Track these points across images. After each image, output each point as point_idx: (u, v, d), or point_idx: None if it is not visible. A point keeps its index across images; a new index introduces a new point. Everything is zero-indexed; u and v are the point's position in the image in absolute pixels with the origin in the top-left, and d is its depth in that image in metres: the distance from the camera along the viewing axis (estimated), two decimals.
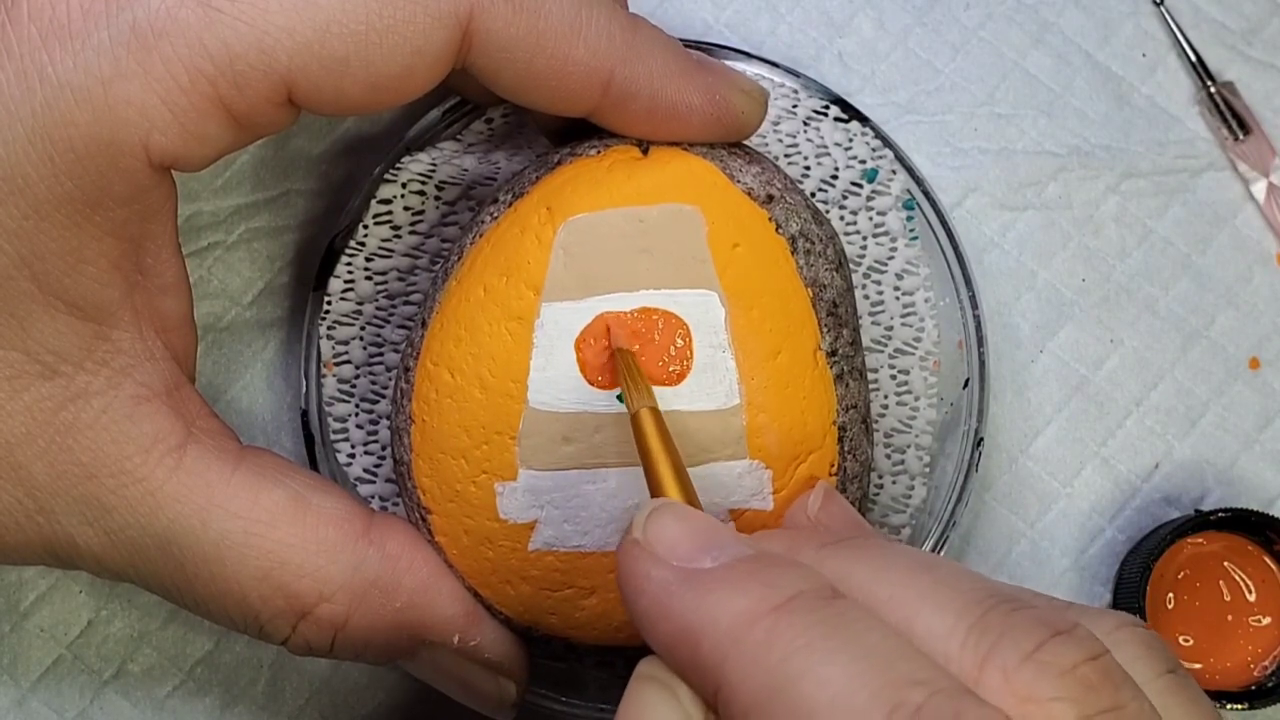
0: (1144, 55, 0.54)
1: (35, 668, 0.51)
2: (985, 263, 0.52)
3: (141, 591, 0.48)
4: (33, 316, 0.38)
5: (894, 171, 0.49)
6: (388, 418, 0.47)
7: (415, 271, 0.48)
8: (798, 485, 0.42)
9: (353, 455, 0.48)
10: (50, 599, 0.51)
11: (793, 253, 0.42)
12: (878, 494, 0.48)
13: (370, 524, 0.42)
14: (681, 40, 0.43)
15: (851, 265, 0.48)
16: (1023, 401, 0.52)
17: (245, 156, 0.52)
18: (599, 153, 0.43)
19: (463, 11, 0.38)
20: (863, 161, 0.49)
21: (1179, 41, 0.53)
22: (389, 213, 0.48)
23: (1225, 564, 0.50)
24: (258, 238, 0.52)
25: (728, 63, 0.45)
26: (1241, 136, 0.53)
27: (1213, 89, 0.53)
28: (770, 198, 0.42)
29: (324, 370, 0.48)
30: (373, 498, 0.48)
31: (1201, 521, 0.48)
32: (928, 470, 0.48)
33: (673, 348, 0.41)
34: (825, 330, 0.42)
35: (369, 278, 0.48)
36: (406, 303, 0.48)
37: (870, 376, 0.48)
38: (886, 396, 0.48)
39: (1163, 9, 0.54)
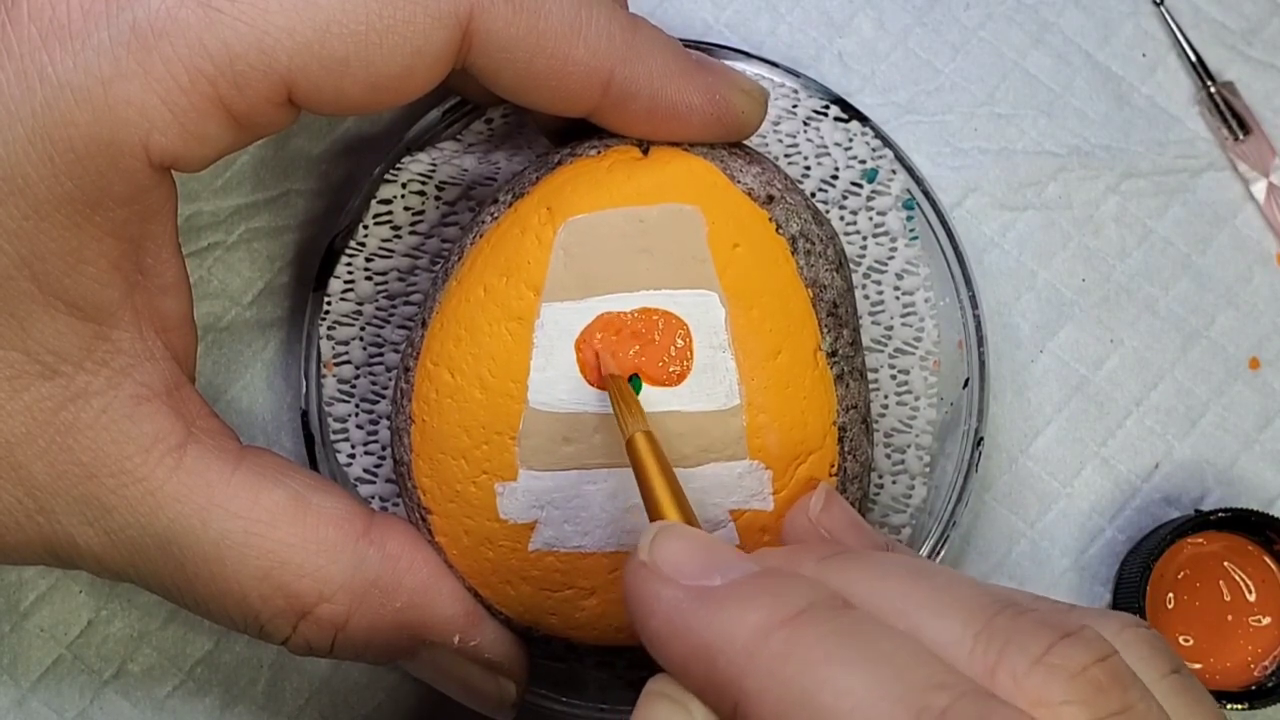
0: (1144, 55, 0.54)
1: (35, 668, 0.51)
2: (985, 263, 0.52)
3: (141, 591, 0.48)
4: (33, 316, 0.38)
5: (894, 171, 0.49)
6: (388, 418, 0.47)
7: (415, 272, 0.48)
8: (798, 485, 0.42)
9: (353, 455, 0.48)
10: (50, 599, 0.51)
11: (793, 253, 0.42)
12: (878, 494, 0.48)
13: (370, 524, 0.42)
14: (681, 40, 0.43)
15: (851, 265, 0.47)
16: (1023, 401, 0.52)
17: (245, 156, 0.52)
18: (599, 153, 0.43)
19: (463, 12, 0.38)
20: (863, 161, 0.49)
21: (1179, 41, 0.53)
22: (389, 213, 0.48)
23: (1225, 564, 0.49)
24: (258, 238, 0.52)
25: (728, 63, 0.45)
26: (1241, 136, 0.53)
27: (1213, 89, 0.53)
28: (770, 198, 0.42)
29: (324, 370, 0.48)
30: (373, 498, 0.48)
31: (1201, 521, 0.48)
32: (928, 470, 0.48)
33: (673, 348, 0.41)
34: (825, 330, 0.42)
35: (369, 278, 0.48)
36: (406, 303, 0.48)
37: (870, 376, 0.47)
38: (886, 396, 0.48)
39: (1163, 9, 0.54)
